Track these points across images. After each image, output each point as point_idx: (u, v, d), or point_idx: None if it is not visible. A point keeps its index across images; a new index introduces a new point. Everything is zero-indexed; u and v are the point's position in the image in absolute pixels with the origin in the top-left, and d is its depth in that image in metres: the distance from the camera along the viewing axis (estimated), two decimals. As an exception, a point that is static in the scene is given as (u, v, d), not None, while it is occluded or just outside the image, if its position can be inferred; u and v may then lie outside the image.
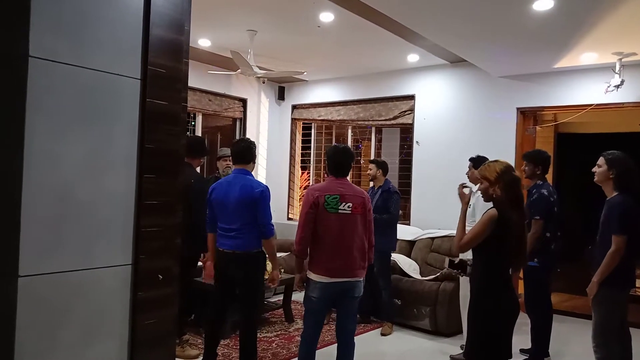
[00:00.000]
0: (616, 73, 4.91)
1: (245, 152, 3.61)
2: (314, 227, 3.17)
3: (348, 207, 3.18)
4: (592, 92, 5.31)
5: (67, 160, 1.66)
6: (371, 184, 5.31)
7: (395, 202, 4.98)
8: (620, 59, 4.88)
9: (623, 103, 5.21)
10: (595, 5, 3.65)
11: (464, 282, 4.19)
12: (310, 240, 3.20)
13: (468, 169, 4.49)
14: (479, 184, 4.25)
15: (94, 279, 1.74)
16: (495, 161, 2.81)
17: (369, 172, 5.21)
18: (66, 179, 1.66)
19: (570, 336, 4.86)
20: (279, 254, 5.79)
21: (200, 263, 4.27)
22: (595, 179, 3.29)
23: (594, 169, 3.30)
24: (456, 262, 3.23)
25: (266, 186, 3.54)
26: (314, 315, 3.25)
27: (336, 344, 3.39)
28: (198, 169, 4.55)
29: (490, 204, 2.77)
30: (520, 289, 4.41)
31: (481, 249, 2.73)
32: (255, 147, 3.69)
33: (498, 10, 3.87)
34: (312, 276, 3.20)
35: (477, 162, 4.37)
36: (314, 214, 3.16)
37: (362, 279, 3.27)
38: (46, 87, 1.60)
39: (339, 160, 3.30)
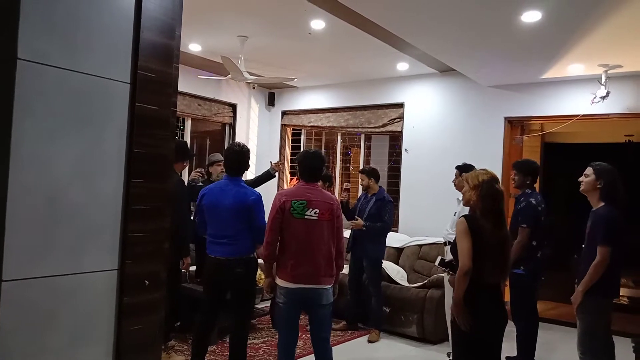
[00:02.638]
0: (602, 85, 4.99)
1: (241, 165, 3.57)
2: (280, 233, 3.17)
3: (315, 213, 3.16)
4: (579, 102, 5.39)
5: (56, 164, 1.65)
6: (360, 191, 5.32)
7: (389, 211, 5.00)
8: (606, 71, 4.96)
9: (608, 114, 5.29)
10: (583, 18, 3.71)
11: (449, 292, 4.20)
12: (277, 245, 3.20)
13: (455, 177, 4.52)
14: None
15: (81, 283, 1.72)
16: (483, 170, 2.83)
17: (361, 182, 5.19)
18: (55, 182, 1.64)
19: (556, 344, 4.90)
20: (267, 260, 5.80)
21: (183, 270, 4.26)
22: (581, 189, 3.32)
23: (580, 179, 3.33)
24: (447, 260, 3.26)
25: (259, 193, 3.54)
26: (285, 321, 3.24)
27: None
28: (186, 173, 4.54)
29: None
30: (506, 297, 4.44)
31: (458, 257, 2.74)
32: (249, 154, 3.64)
33: (487, 21, 3.91)
34: (279, 281, 3.20)
35: (464, 169, 4.40)
36: (280, 219, 3.16)
37: (329, 287, 3.23)
38: (35, 89, 1.59)
39: (310, 165, 3.29)
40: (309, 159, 3.31)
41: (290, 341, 3.25)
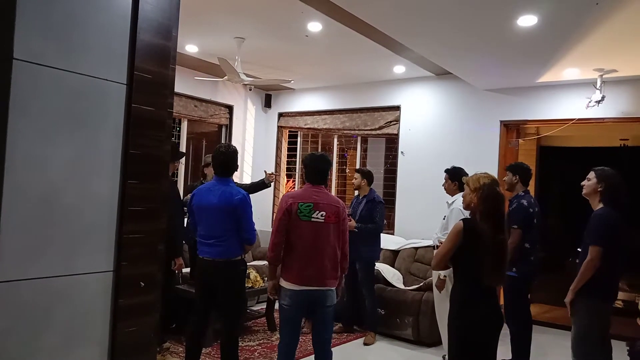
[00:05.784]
0: (597, 89, 5.02)
1: (230, 166, 3.55)
2: (286, 234, 3.17)
3: (321, 215, 3.16)
4: (574, 106, 5.41)
5: (52, 165, 1.64)
6: (356, 192, 5.33)
7: (380, 211, 5.00)
8: (601, 76, 4.99)
9: (604, 118, 5.31)
10: (578, 23, 3.73)
11: (438, 296, 4.21)
12: (283, 247, 3.19)
13: (444, 181, 4.50)
14: (453, 196, 4.30)
15: (76, 285, 1.72)
16: (484, 174, 2.83)
17: (353, 181, 5.23)
18: (50, 183, 1.64)
19: (551, 347, 4.91)
20: (263, 262, 5.79)
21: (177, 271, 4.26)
22: (583, 192, 3.34)
23: (583, 183, 3.35)
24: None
25: (246, 193, 3.51)
26: (288, 323, 3.22)
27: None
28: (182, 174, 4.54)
29: (461, 217, 2.83)
30: (500, 300, 4.45)
31: (456, 261, 2.75)
32: (236, 154, 3.60)
33: (483, 25, 3.93)
34: (283, 283, 3.19)
35: (453, 173, 4.40)
36: (286, 221, 3.15)
37: (333, 289, 3.24)
38: (31, 90, 1.59)
39: (317, 168, 3.29)
40: (316, 162, 3.31)
41: (291, 343, 3.24)
